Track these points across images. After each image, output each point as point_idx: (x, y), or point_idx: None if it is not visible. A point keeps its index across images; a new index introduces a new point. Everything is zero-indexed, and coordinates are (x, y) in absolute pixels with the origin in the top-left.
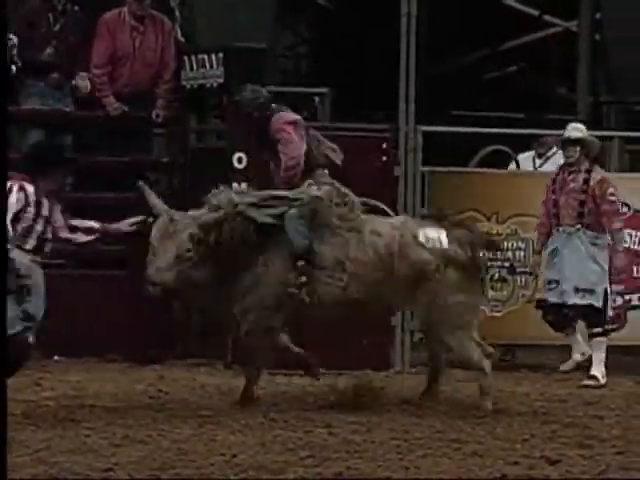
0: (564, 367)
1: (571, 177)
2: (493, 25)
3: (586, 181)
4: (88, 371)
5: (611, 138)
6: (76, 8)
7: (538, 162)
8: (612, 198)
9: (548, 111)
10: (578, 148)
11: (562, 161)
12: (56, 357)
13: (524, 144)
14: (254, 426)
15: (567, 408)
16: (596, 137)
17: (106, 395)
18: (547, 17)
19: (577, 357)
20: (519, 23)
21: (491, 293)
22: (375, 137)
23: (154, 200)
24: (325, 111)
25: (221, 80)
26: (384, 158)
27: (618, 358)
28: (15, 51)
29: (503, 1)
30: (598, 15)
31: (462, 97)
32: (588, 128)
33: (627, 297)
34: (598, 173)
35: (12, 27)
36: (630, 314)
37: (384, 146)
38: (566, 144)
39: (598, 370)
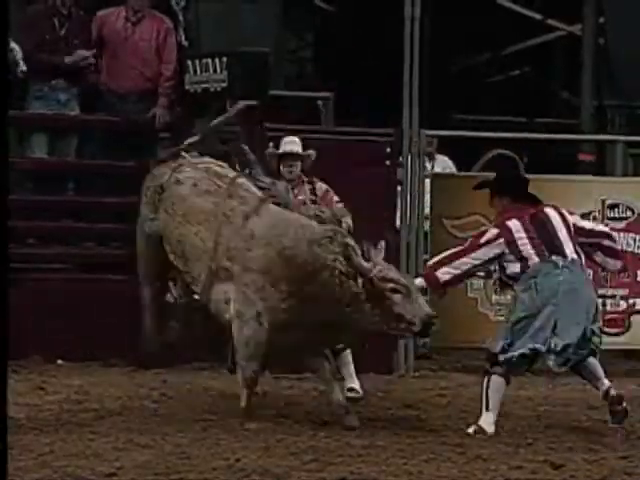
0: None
1: (297, 191)
2: (496, 29)
3: (312, 191)
4: (91, 375)
5: (615, 142)
6: (81, 12)
7: (429, 164)
8: (340, 205)
9: (552, 115)
10: (299, 162)
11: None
12: (59, 361)
13: (527, 148)
14: (257, 430)
15: (571, 412)
16: (600, 141)
17: (109, 399)
18: (550, 21)
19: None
20: (523, 27)
21: (495, 297)
22: (379, 141)
23: None
24: (329, 115)
25: (225, 84)
26: (388, 162)
27: (621, 362)
28: (19, 56)
29: (506, 5)
30: (602, 19)
31: (466, 101)
32: (592, 132)
33: (631, 301)
34: (318, 182)
35: (16, 31)
36: (634, 318)
37: (388, 150)
38: (288, 159)
39: (354, 382)
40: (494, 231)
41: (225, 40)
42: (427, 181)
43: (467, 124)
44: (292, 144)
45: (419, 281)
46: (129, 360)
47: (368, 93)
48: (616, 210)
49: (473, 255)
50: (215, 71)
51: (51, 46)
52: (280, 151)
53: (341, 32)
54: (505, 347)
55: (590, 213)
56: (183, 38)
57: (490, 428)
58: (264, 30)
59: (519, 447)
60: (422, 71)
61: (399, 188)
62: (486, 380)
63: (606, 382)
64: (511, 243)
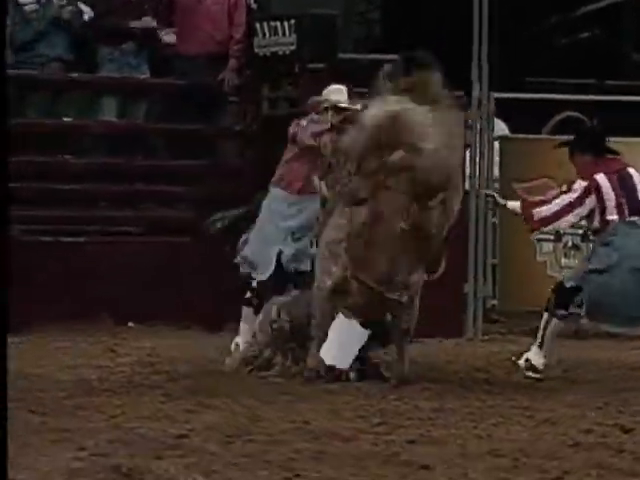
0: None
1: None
2: None
3: None
4: (162, 338)
5: None
6: None
7: None
8: None
9: (621, 77)
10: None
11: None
12: (130, 324)
13: (597, 110)
14: (326, 393)
15: (639, 376)
16: None
17: (180, 361)
18: None
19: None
20: None
21: (564, 260)
22: None
23: None
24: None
25: (293, 47)
26: None
27: None
28: (87, 17)
29: None
30: None
31: (535, 64)
32: None
33: None
34: None
35: None
36: None
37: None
38: (335, 109)
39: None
40: (584, 187)
41: (293, 2)
42: (495, 144)
43: (536, 86)
44: (339, 93)
45: (512, 204)
46: (200, 323)
47: (437, 55)
48: None
49: (569, 217)
50: (284, 34)
51: (122, 10)
52: (330, 100)
53: None
54: (573, 288)
55: None
56: (252, 0)
57: (540, 362)
58: None
59: (588, 410)
60: (491, 33)
61: (467, 151)
62: (546, 320)
63: None
64: (599, 199)
